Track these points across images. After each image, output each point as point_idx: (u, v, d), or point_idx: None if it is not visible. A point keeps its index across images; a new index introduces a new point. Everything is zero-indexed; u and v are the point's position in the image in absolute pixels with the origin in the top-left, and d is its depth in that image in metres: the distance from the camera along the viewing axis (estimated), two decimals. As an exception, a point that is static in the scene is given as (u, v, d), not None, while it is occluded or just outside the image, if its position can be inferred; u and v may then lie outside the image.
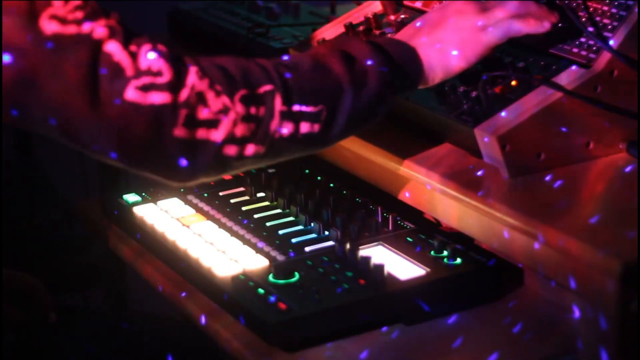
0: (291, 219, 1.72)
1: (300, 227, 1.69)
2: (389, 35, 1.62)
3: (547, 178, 1.53)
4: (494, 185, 1.53)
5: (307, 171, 1.85)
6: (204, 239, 1.65)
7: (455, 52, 1.52)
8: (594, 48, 1.56)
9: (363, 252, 1.58)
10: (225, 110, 1.36)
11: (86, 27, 1.32)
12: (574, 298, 1.44)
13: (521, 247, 1.46)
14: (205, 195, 1.81)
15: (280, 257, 1.59)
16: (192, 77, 1.35)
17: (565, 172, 1.54)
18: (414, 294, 1.50)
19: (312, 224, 1.68)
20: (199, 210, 1.76)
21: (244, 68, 1.40)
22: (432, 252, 1.58)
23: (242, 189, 1.83)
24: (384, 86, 1.47)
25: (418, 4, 1.83)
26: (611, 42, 1.54)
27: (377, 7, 1.88)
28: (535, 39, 1.61)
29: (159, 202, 1.79)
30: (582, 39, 1.58)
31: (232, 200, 1.79)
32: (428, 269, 1.54)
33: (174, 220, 1.73)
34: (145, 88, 1.32)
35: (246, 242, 1.64)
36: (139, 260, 1.71)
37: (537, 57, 1.62)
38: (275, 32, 2.17)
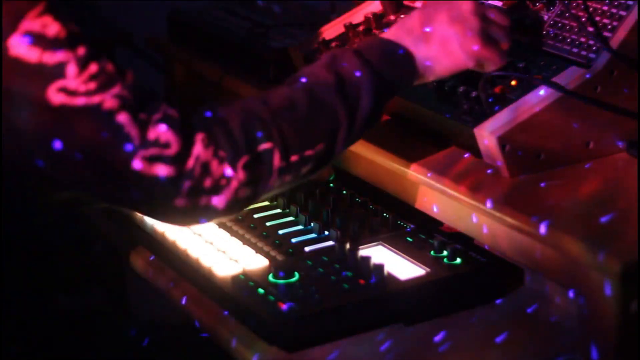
0: (291, 219, 1.72)
1: (300, 227, 1.69)
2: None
3: (547, 178, 1.53)
4: (494, 185, 1.53)
5: (307, 171, 1.85)
6: (204, 239, 1.65)
7: (451, 55, 1.53)
8: (594, 48, 1.56)
9: (363, 252, 1.58)
10: (227, 178, 1.40)
11: (96, 99, 1.34)
12: (574, 298, 1.44)
13: (521, 247, 1.46)
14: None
15: (280, 257, 1.59)
16: (199, 146, 1.38)
17: (565, 172, 1.54)
18: (414, 294, 1.50)
19: (312, 224, 1.68)
20: (199, 210, 1.76)
21: (246, 125, 1.42)
22: (432, 252, 1.58)
23: (242, 189, 1.82)
24: (376, 104, 1.50)
25: (418, 4, 1.83)
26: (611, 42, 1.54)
27: (377, 7, 1.88)
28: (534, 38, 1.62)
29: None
30: (582, 39, 1.58)
31: (232, 200, 1.79)
32: (428, 269, 1.54)
33: (174, 220, 1.73)
34: (152, 159, 1.36)
35: (246, 242, 1.64)
36: (139, 261, 1.71)
37: (537, 57, 1.62)
38: (275, 32, 2.17)
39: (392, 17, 1.84)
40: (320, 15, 2.26)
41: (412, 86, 1.56)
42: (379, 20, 1.84)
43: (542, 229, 1.40)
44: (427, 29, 1.53)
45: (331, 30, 1.89)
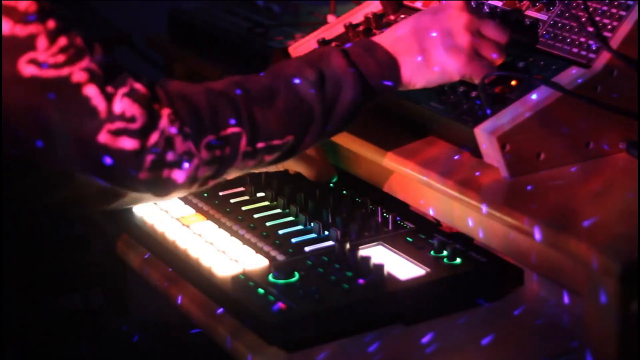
0: (291, 218, 1.72)
1: (300, 227, 1.69)
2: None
3: (547, 178, 1.53)
4: (494, 185, 1.53)
5: (307, 171, 1.85)
6: (204, 239, 1.65)
7: (436, 67, 1.55)
8: (594, 48, 1.56)
9: (363, 252, 1.57)
10: (189, 154, 1.42)
11: (65, 71, 1.37)
12: (574, 298, 1.44)
13: (521, 247, 1.46)
14: (205, 195, 1.81)
15: (280, 257, 1.59)
16: (164, 121, 1.41)
17: (565, 172, 1.54)
18: (414, 294, 1.50)
19: (312, 224, 1.68)
20: (199, 210, 1.76)
21: (215, 105, 1.44)
22: (432, 252, 1.57)
23: (242, 188, 1.83)
24: (354, 105, 1.51)
25: (418, 4, 1.83)
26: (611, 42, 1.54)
27: (377, 7, 1.88)
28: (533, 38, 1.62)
29: (159, 202, 1.79)
30: (582, 39, 1.58)
31: (232, 200, 1.79)
32: (428, 269, 1.54)
33: (174, 220, 1.73)
34: (117, 132, 1.39)
35: (246, 242, 1.64)
36: (139, 260, 1.71)
37: (537, 57, 1.62)
38: (275, 32, 2.17)
39: (392, 17, 1.84)
40: (320, 15, 2.26)
41: (394, 94, 1.57)
42: (379, 20, 1.84)
43: (542, 229, 1.40)
44: (416, 40, 1.54)
45: (331, 30, 1.89)
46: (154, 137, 1.40)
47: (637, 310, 1.32)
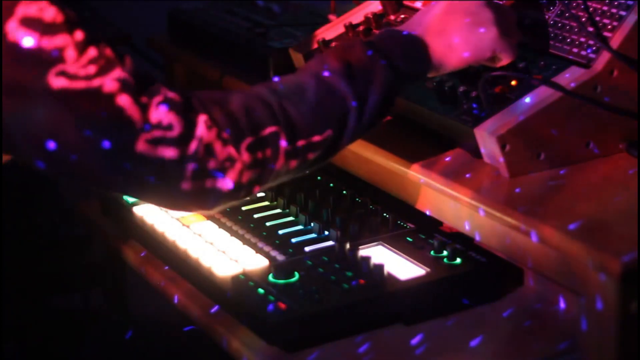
0: (291, 218, 1.72)
1: (300, 227, 1.69)
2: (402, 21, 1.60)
3: (547, 178, 1.53)
4: (494, 185, 1.53)
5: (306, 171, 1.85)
6: (204, 239, 1.65)
7: (465, 53, 1.54)
8: (594, 48, 1.56)
9: (363, 252, 1.57)
10: (231, 160, 1.39)
11: (96, 82, 1.34)
12: (574, 298, 1.44)
13: (521, 247, 1.46)
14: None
15: (280, 257, 1.59)
16: (201, 128, 1.38)
17: (565, 172, 1.54)
18: (414, 294, 1.50)
19: (312, 224, 1.68)
20: (199, 210, 1.76)
21: (249, 108, 1.42)
22: (432, 252, 1.57)
23: (242, 189, 1.82)
24: (387, 92, 1.49)
25: (418, 4, 1.83)
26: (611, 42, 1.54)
27: (377, 7, 1.88)
28: (534, 38, 1.62)
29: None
30: (582, 39, 1.58)
31: (232, 200, 1.79)
32: (428, 269, 1.54)
33: (174, 220, 1.73)
34: (155, 141, 1.35)
35: (246, 242, 1.64)
36: (139, 260, 1.71)
37: (537, 57, 1.62)
38: (275, 32, 2.17)
39: (392, 17, 1.84)
40: (320, 15, 2.27)
41: (426, 77, 1.56)
42: (379, 20, 1.84)
43: (542, 229, 1.40)
44: (440, 21, 1.53)
45: (331, 30, 1.89)
46: (193, 145, 1.37)
47: (636, 311, 1.32)
